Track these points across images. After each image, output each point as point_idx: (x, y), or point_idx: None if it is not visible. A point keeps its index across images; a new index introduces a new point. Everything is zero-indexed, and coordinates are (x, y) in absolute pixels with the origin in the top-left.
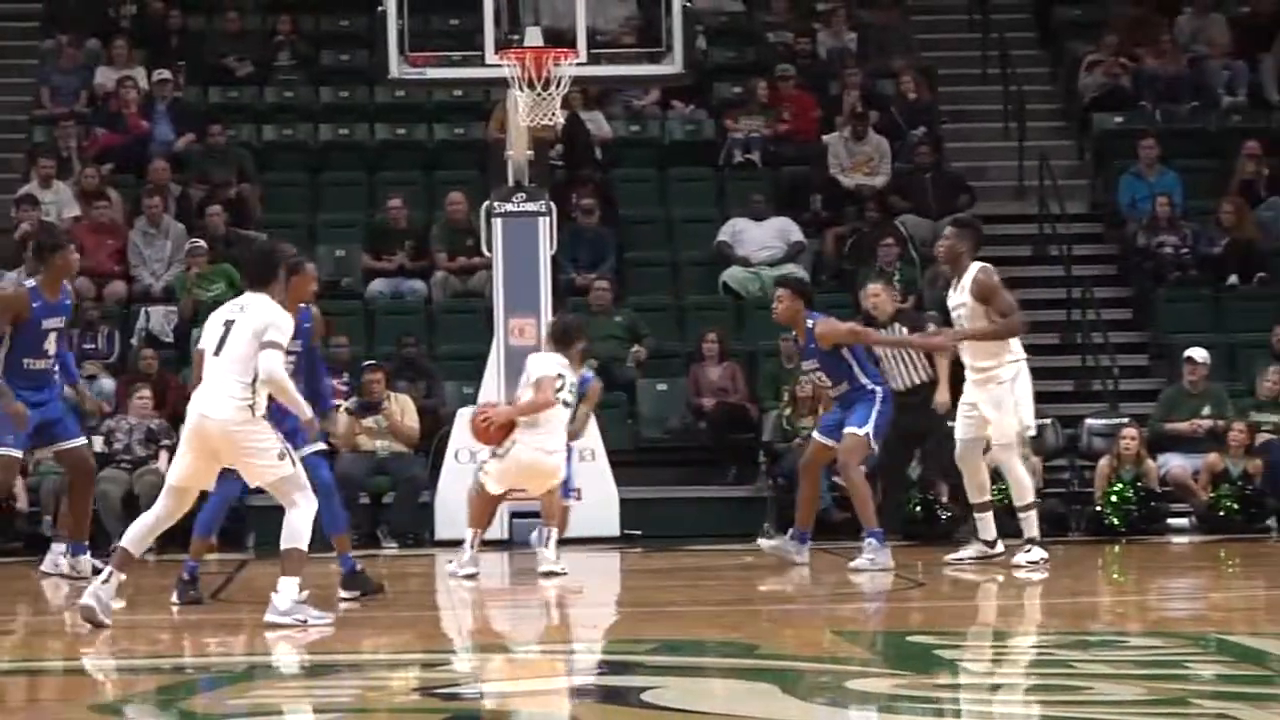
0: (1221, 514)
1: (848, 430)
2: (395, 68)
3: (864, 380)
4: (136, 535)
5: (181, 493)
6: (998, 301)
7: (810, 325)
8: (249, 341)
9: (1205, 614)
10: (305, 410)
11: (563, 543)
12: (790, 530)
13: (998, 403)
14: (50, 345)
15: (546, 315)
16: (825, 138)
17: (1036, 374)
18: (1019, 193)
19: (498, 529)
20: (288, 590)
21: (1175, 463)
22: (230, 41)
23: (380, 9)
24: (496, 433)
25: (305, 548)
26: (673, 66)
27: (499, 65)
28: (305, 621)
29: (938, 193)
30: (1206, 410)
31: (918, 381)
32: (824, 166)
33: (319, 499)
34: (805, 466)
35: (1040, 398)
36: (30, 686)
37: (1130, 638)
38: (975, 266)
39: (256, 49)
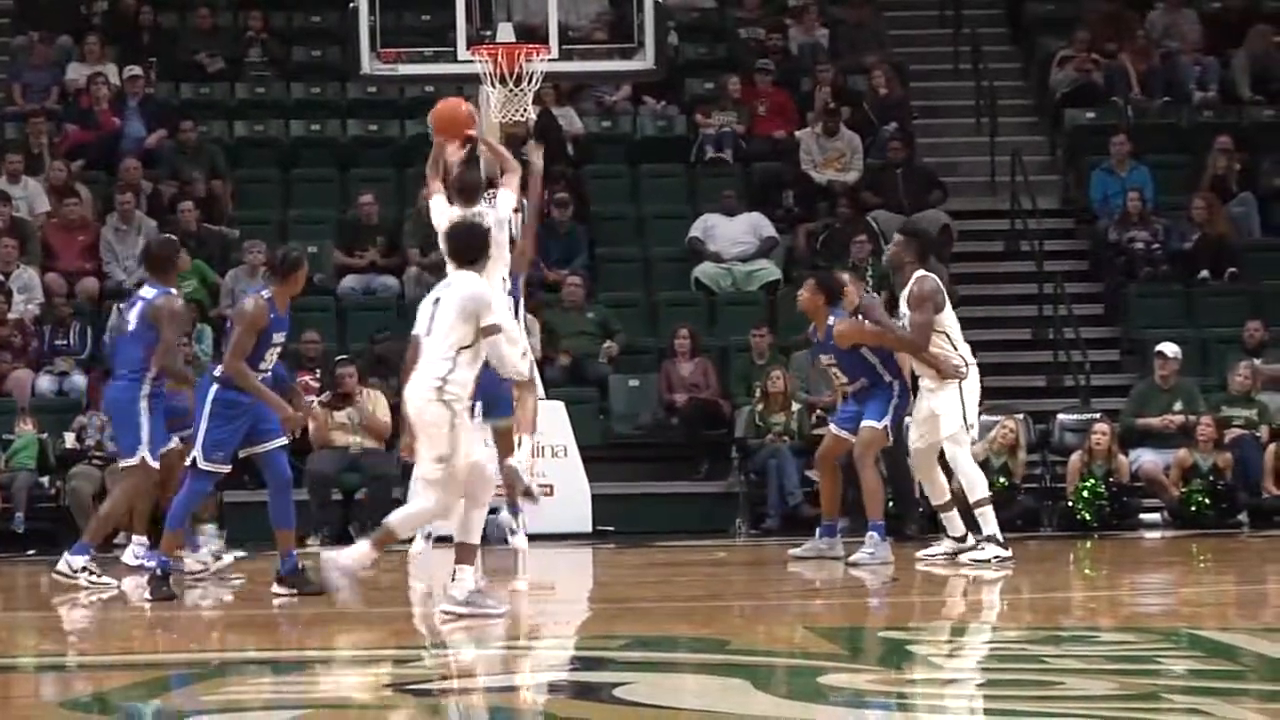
0: (1193, 509)
1: (865, 423)
2: (367, 64)
3: (885, 375)
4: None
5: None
6: (920, 312)
7: (830, 323)
8: (454, 319)
9: (1176, 609)
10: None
11: (534, 539)
12: (817, 529)
13: (948, 401)
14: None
15: (523, 313)
16: (798, 133)
17: (1008, 369)
18: (991, 188)
19: None
20: (465, 580)
21: (1147, 458)
22: (202, 38)
23: (352, 5)
24: None
25: (477, 541)
26: (644, 62)
27: (471, 61)
28: (489, 612)
29: (909, 188)
30: (1178, 406)
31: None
32: (796, 162)
33: (277, 492)
34: (822, 458)
35: (1012, 393)
36: (2, 683)
37: (1102, 633)
38: (916, 275)
39: (228, 45)
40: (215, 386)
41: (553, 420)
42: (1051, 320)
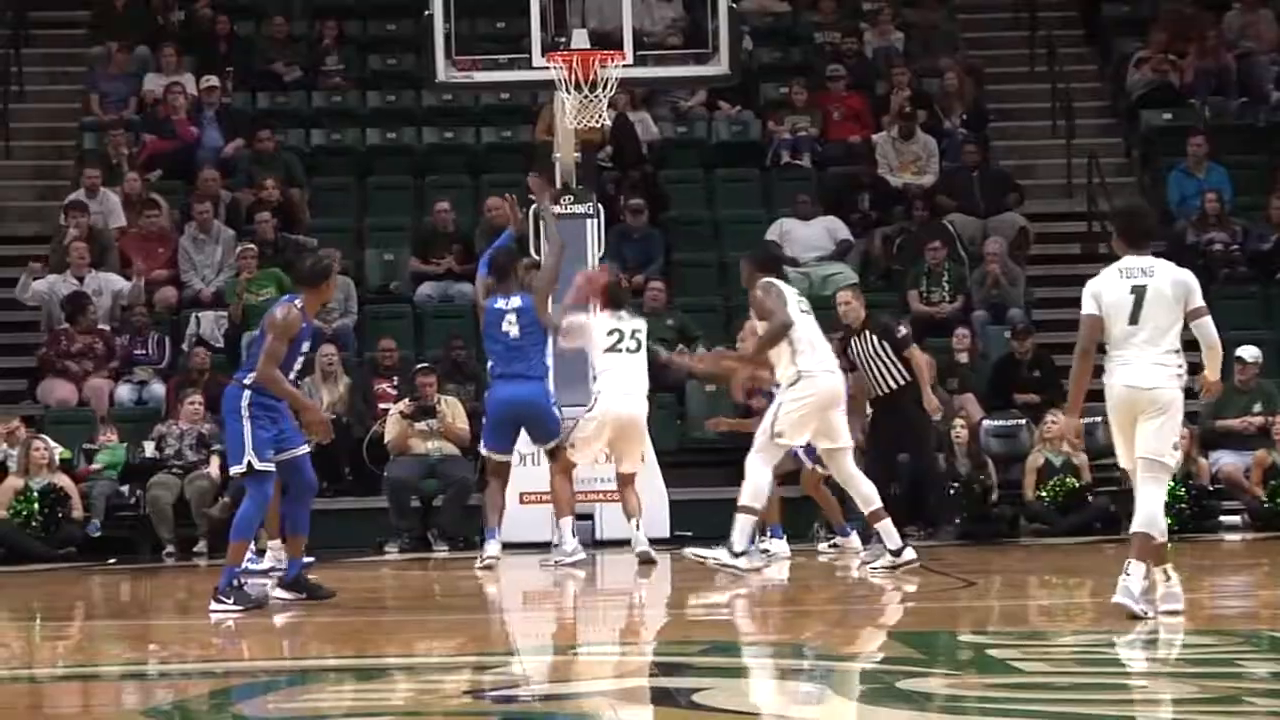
0: (1275, 510)
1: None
2: (442, 71)
3: None
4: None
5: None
6: (766, 318)
7: None
8: (1169, 308)
9: (1258, 611)
10: None
11: (610, 544)
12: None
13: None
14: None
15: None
16: (873, 137)
17: None
18: (1067, 191)
19: (544, 530)
20: (1137, 573)
21: (1227, 460)
22: (278, 47)
23: (427, 13)
24: None
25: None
26: (719, 68)
27: (546, 68)
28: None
29: (985, 191)
30: (1257, 407)
31: (893, 387)
32: (871, 166)
33: (300, 498)
34: (808, 488)
35: (1090, 396)
36: (84, 691)
37: (1182, 635)
38: (757, 284)
39: (304, 54)
40: (248, 393)
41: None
42: None
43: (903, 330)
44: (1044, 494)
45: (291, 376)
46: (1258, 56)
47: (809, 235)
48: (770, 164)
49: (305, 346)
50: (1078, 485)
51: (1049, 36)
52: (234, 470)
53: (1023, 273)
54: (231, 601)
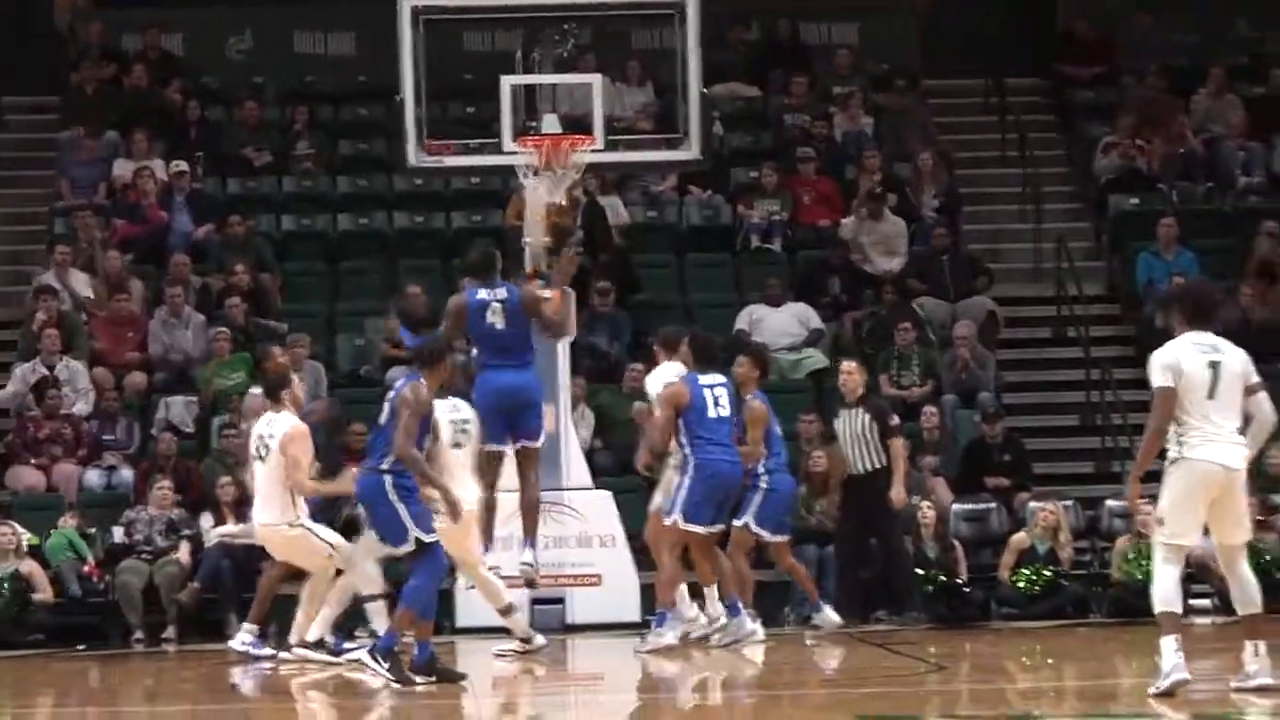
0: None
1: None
2: (413, 156)
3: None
4: None
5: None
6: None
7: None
8: (1237, 386)
9: (1226, 695)
10: None
11: (582, 628)
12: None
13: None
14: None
15: (566, 403)
16: (842, 221)
17: (1057, 456)
18: (1036, 275)
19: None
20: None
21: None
22: (248, 132)
23: (398, 98)
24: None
25: None
26: (690, 152)
27: (516, 152)
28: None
29: (955, 275)
30: None
31: (870, 468)
32: (843, 250)
33: (431, 580)
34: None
35: (1062, 479)
36: None
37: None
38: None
39: (274, 139)
40: (389, 477)
41: (601, 509)
42: (1099, 406)
43: (896, 419)
44: (1020, 580)
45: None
46: (1224, 142)
47: (780, 322)
48: (741, 248)
49: (427, 428)
50: (1054, 575)
51: (1018, 121)
52: (403, 550)
53: (992, 356)
54: (386, 667)
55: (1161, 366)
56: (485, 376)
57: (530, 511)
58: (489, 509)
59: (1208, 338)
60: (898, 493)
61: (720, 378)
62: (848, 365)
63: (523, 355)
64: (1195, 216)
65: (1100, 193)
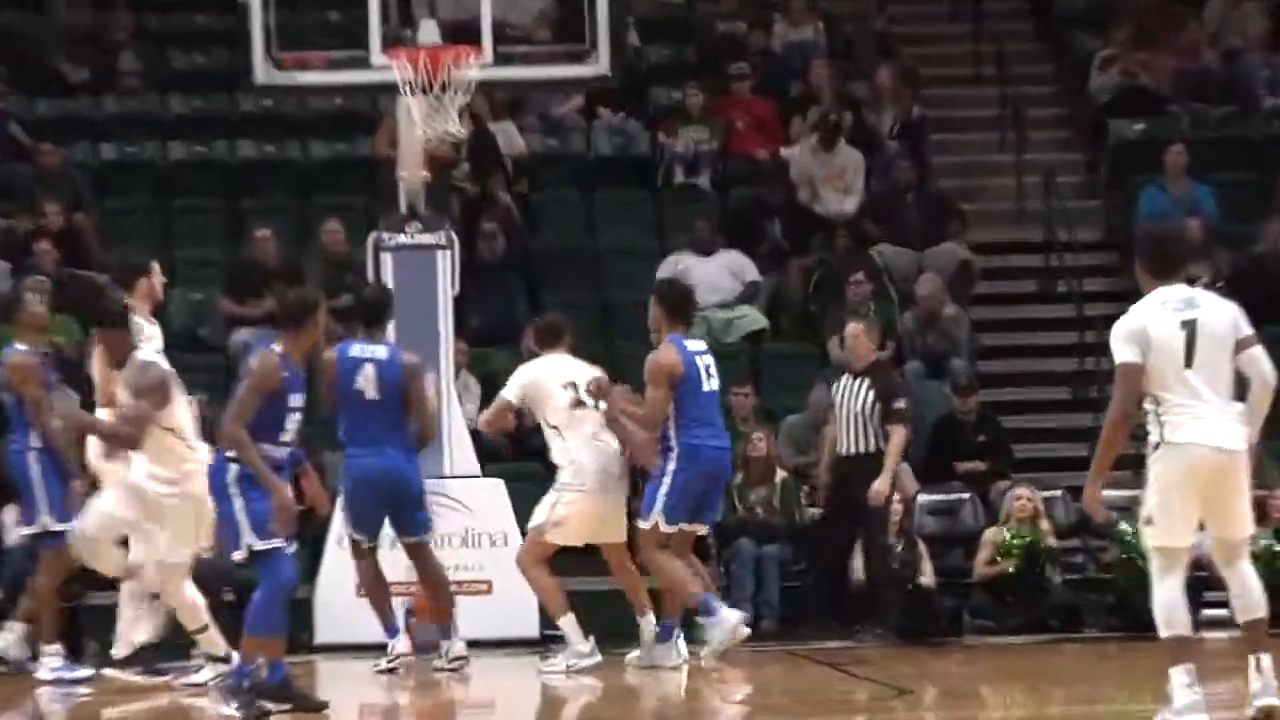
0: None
1: None
2: (262, 71)
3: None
4: None
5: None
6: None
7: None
8: (1223, 346)
9: None
10: None
11: (472, 645)
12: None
13: None
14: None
15: (448, 371)
16: (784, 151)
17: (1043, 435)
18: (1019, 217)
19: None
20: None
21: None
22: (63, 43)
23: (241, 1)
24: None
25: None
26: (598, 67)
27: (388, 67)
28: None
29: (922, 217)
30: None
31: (861, 450)
32: (784, 186)
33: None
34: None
35: (1048, 464)
36: None
37: None
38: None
39: (93, 51)
40: (235, 467)
41: (490, 501)
42: (1095, 376)
43: (902, 402)
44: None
45: (287, 439)
46: (1246, 55)
47: (710, 273)
48: (662, 183)
49: (299, 401)
50: (1033, 571)
51: (996, 31)
52: (236, 557)
53: (966, 316)
54: (235, 707)
55: (1124, 337)
56: (351, 461)
57: (439, 593)
58: (379, 585)
59: (1179, 291)
60: (882, 484)
61: (701, 344)
62: (854, 328)
63: (394, 434)
64: (1211, 144)
65: (1096, 117)
